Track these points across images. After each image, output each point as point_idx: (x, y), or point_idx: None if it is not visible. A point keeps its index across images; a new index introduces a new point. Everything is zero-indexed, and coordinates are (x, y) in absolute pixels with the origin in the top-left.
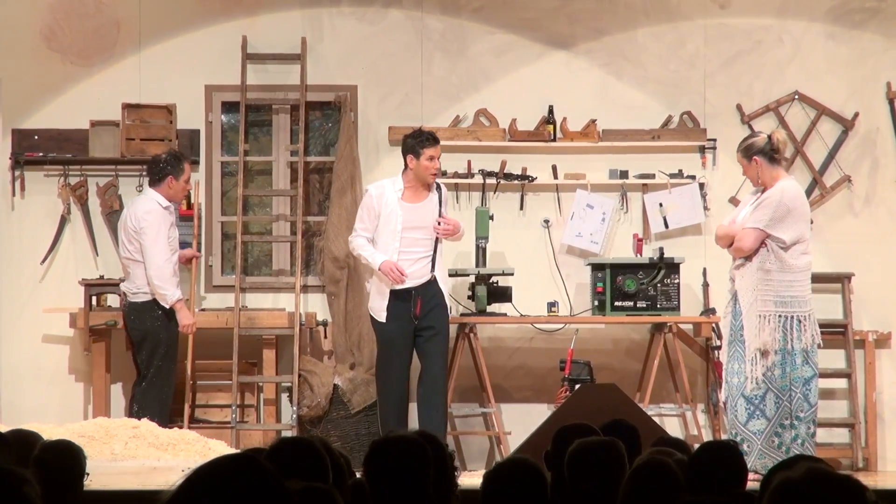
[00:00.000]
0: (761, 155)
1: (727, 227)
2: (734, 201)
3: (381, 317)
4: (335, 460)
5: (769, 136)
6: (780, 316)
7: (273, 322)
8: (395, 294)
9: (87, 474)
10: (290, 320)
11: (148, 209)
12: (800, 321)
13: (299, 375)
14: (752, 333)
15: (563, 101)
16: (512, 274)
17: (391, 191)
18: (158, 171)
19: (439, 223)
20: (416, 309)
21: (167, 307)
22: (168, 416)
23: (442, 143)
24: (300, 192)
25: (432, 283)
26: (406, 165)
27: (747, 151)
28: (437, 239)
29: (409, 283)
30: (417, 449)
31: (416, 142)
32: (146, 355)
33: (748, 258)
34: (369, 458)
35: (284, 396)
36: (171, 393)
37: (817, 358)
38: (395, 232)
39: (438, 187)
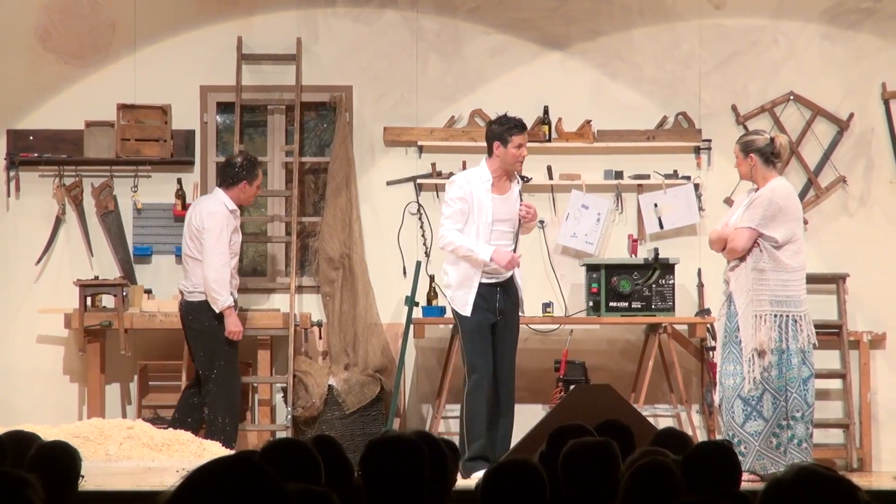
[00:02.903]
0: (759, 154)
1: (720, 231)
2: (729, 202)
3: (466, 311)
4: (344, 461)
5: (772, 139)
6: (776, 315)
7: (268, 323)
8: (482, 286)
9: (83, 476)
10: (285, 321)
11: (213, 210)
12: (795, 321)
13: (294, 376)
14: (749, 334)
15: (559, 101)
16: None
17: (479, 182)
18: (233, 175)
19: (522, 209)
20: (502, 304)
21: (217, 311)
22: (237, 415)
23: (437, 143)
24: (295, 192)
25: (512, 280)
26: (490, 153)
27: (746, 147)
28: (517, 233)
29: (494, 279)
30: (414, 449)
31: (503, 129)
32: (204, 355)
33: (742, 259)
34: (366, 457)
35: (279, 397)
36: (239, 392)
37: (813, 358)
38: (486, 224)
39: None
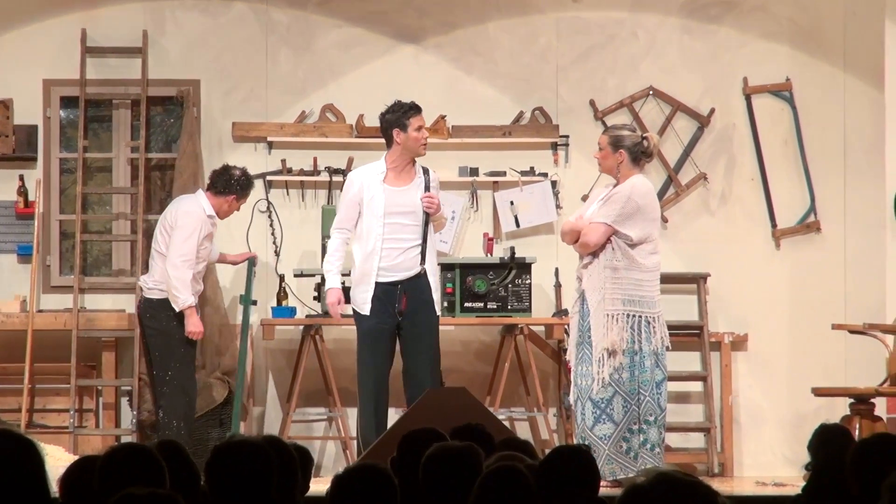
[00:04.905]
0: (629, 151)
1: (573, 223)
2: (587, 199)
3: (365, 309)
4: (190, 467)
5: (644, 137)
6: (628, 315)
7: (113, 324)
8: (379, 286)
9: None
10: (131, 322)
11: (189, 210)
12: (648, 322)
13: (140, 379)
14: (600, 333)
15: (412, 96)
16: None
17: (372, 175)
18: (226, 185)
19: (425, 201)
20: (402, 305)
21: (177, 310)
22: (193, 421)
23: (287, 139)
24: (141, 189)
25: (421, 277)
26: (390, 144)
27: (617, 141)
28: (426, 228)
29: (394, 276)
30: (260, 454)
31: (399, 115)
32: (160, 356)
33: (595, 255)
34: (211, 463)
35: (124, 400)
36: (195, 396)
37: (667, 361)
38: (378, 217)
39: (426, 171)
